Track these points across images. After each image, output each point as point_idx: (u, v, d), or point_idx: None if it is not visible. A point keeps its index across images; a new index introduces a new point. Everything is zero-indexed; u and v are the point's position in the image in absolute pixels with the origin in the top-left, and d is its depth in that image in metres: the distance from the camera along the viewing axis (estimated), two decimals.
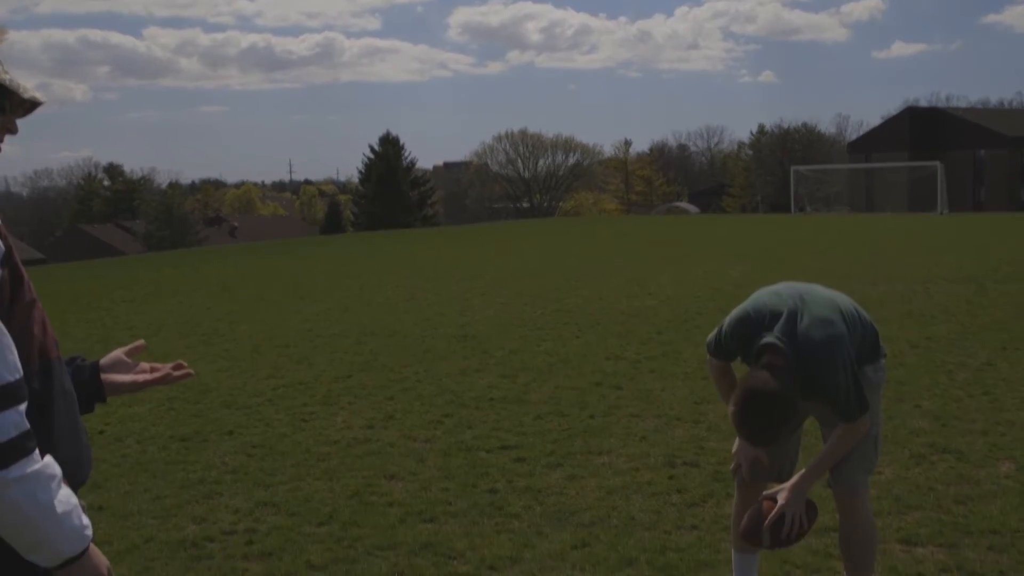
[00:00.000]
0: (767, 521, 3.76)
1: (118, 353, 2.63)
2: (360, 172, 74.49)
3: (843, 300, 3.98)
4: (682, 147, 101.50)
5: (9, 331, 1.99)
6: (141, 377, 2.60)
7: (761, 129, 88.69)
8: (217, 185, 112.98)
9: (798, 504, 3.78)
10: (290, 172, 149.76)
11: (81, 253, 52.03)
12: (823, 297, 3.93)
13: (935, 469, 6.07)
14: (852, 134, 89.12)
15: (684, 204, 77.43)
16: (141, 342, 2.73)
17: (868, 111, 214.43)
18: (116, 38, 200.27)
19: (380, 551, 5.07)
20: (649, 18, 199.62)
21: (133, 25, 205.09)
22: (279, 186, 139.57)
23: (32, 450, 1.94)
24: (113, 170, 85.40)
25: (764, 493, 3.92)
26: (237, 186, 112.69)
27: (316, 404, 8.39)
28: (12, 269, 2.06)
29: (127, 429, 7.70)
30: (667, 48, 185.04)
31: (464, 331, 12.10)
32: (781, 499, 3.78)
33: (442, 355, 10.53)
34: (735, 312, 4.00)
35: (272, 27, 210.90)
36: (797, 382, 3.65)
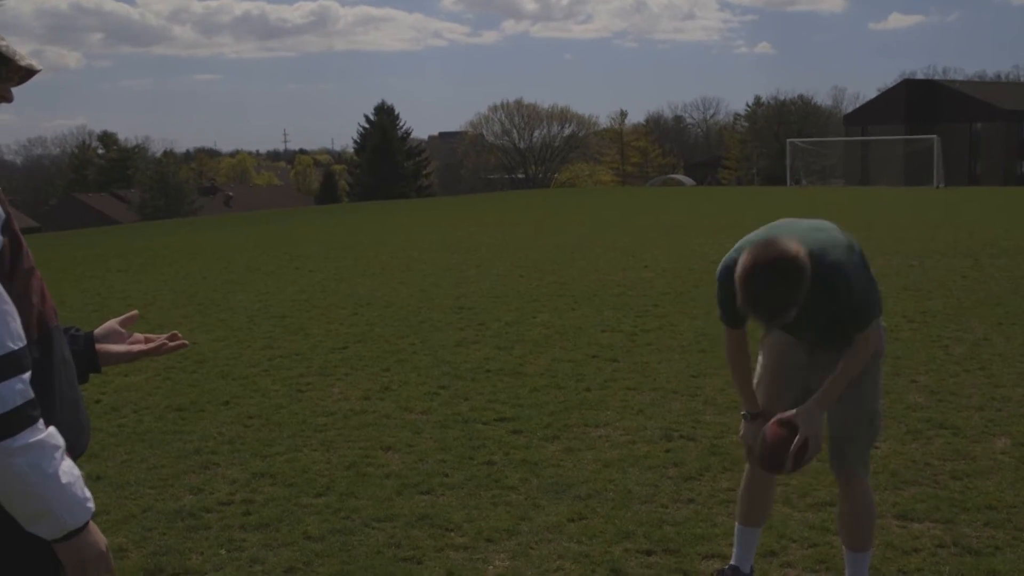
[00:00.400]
0: (794, 448, 3.67)
1: (112, 323, 2.63)
2: (355, 142, 74.58)
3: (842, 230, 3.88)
4: (678, 119, 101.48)
5: (11, 298, 1.98)
6: (135, 347, 2.60)
7: (757, 101, 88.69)
8: (211, 154, 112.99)
9: (816, 428, 3.71)
10: (284, 141, 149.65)
11: (76, 222, 51.97)
12: (812, 221, 3.89)
13: (931, 444, 6.08)
14: (848, 106, 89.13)
15: (679, 176, 77.42)
16: (135, 312, 2.73)
17: (865, 83, 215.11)
18: (109, 5, 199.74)
19: (377, 522, 5.08)
20: None
21: None
22: (274, 155, 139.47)
23: (36, 419, 1.93)
24: (107, 138, 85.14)
25: (774, 419, 3.80)
26: (232, 155, 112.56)
27: (312, 375, 8.39)
28: (12, 236, 2.05)
29: (123, 399, 7.69)
30: (663, 18, 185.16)
31: (460, 303, 12.09)
32: (802, 426, 3.69)
33: (438, 326, 10.52)
34: (720, 265, 3.84)
35: None
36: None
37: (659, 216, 27.12)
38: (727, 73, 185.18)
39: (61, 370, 2.16)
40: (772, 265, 3.36)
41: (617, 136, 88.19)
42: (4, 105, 2.23)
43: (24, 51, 2.20)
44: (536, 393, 7.57)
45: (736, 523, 4.31)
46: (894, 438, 6.19)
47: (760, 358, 4.15)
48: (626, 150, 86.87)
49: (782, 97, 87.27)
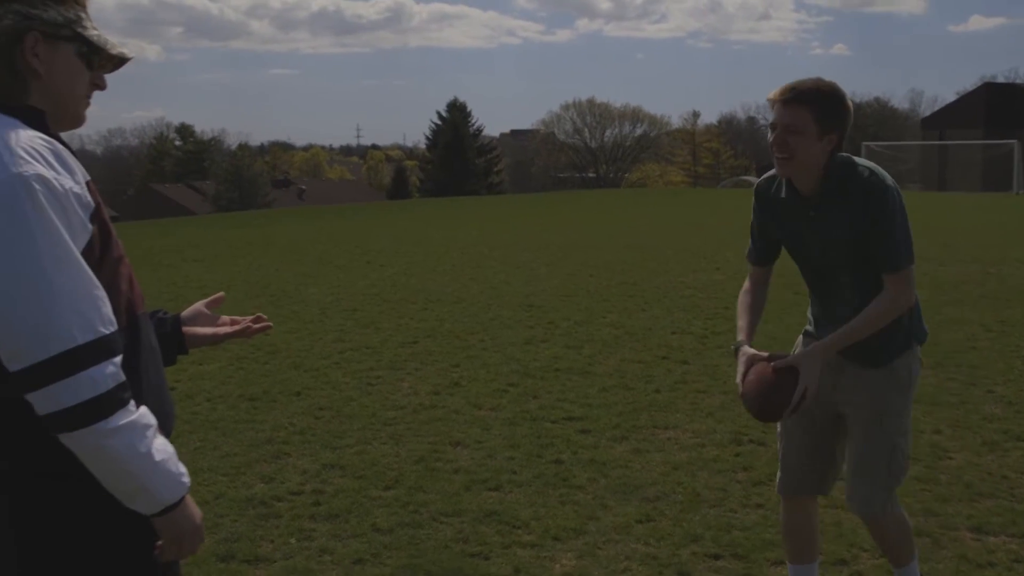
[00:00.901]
0: (794, 399, 3.43)
1: (199, 306, 2.70)
2: (427, 138, 74.94)
3: None
4: (751, 120, 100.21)
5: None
6: (222, 330, 2.67)
7: None
8: (285, 148, 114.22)
9: (816, 376, 3.45)
10: (357, 136, 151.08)
11: (153, 212, 52.87)
12: None
13: (1008, 456, 5.96)
14: (926, 110, 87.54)
15: (751, 178, 76.48)
16: (221, 294, 2.80)
17: (943, 86, 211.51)
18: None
19: (445, 517, 5.11)
20: None
21: None
22: (347, 150, 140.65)
23: (128, 400, 1.99)
24: (184, 130, 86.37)
25: (773, 364, 3.54)
26: (305, 149, 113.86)
27: (382, 368, 8.46)
28: (101, 225, 2.10)
29: (198, 387, 7.82)
30: (738, 18, 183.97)
31: (529, 300, 12.10)
32: (803, 373, 3.45)
33: (507, 324, 10.54)
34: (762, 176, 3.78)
35: None
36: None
37: (731, 218, 26.87)
38: (802, 74, 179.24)
39: (148, 357, 2.22)
40: (809, 82, 3.46)
41: (689, 137, 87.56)
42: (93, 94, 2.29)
43: (114, 40, 2.26)
44: (605, 393, 7.55)
45: (788, 564, 4.04)
46: (969, 449, 6.08)
47: None
48: (698, 151, 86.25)
49: (858, 100, 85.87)
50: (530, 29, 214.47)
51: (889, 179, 3.46)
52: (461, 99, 73.47)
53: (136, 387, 2.10)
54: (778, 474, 3.95)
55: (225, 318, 2.71)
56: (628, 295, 12.48)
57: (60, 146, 2.08)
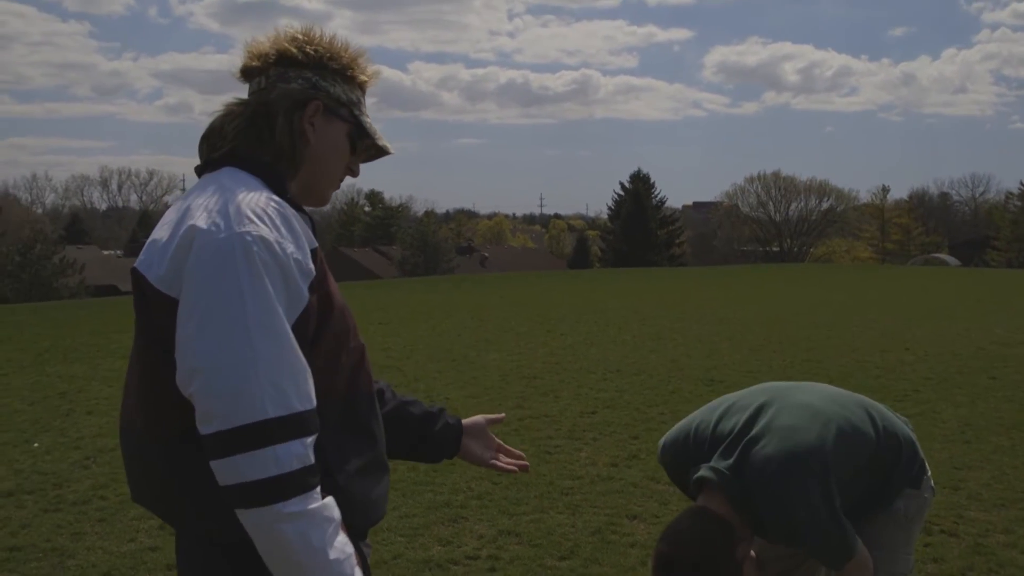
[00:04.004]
0: None
1: (481, 419, 2.68)
2: (609, 208, 75.23)
3: (834, 405, 3.13)
4: (944, 195, 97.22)
5: (314, 359, 1.94)
6: (491, 462, 2.66)
7: None
8: (470, 215, 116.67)
9: None
10: (540, 205, 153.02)
11: (341, 275, 54.38)
12: (802, 400, 3.13)
13: None
14: None
15: (943, 256, 73.94)
16: (503, 415, 2.80)
17: None
18: (384, 71, 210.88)
19: None
20: (914, 60, 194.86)
21: (400, 59, 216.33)
22: (529, 219, 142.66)
23: (313, 487, 1.85)
24: (374, 196, 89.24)
25: None
26: (489, 217, 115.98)
27: (561, 438, 8.47)
28: (323, 296, 2.02)
29: None
30: (932, 91, 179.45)
31: (710, 375, 11.94)
32: None
33: (687, 398, 10.42)
34: (672, 431, 3.32)
35: (531, 63, 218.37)
36: (747, 524, 2.96)
37: (921, 296, 25.99)
38: (1000, 149, 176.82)
39: (364, 439, 2.11)
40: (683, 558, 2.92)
41: (878, 212, 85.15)
42: None
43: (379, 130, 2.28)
44: None
45: None
46: None
47: None
48: (887, 227, 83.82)
49: None
50: (716, 102, 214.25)
51: (779, 472, 2.92)
52: (644, 170, 73.71)
53: (338, 467, 2.00)
54: None
55: (495, 442, 2.70)
56: (812, 373, 12.18)
57: (291, 210, 2.01)
